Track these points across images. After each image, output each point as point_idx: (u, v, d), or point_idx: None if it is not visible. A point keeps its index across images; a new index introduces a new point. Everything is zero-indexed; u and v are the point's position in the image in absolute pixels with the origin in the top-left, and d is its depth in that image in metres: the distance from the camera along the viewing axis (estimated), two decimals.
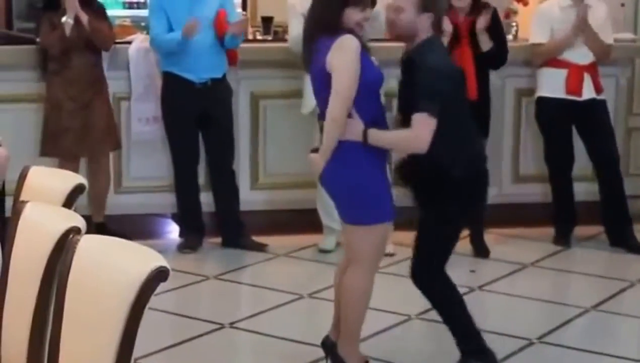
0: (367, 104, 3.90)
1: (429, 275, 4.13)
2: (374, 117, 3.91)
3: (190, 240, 6.12)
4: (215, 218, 6.22)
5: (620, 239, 6.21)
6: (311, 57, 3.95)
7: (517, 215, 6.59)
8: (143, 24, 7.38)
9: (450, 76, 3.97)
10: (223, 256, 6.03)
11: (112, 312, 2.23)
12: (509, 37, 6.80)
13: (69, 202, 3.02)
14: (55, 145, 5.86)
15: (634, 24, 7.20)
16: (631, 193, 6.47)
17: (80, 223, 2.63)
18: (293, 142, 6.25)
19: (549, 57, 6.18)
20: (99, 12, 5.99)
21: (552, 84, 6.16)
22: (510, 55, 5.89)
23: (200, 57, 5.81)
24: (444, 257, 4.15)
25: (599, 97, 6.18)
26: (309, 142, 5.55)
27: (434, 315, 4.39)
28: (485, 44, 5.64)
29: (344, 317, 4.08)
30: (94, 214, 6.04)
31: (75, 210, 2.93)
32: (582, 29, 6.06)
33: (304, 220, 6.22)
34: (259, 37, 7.26)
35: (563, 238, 6.29)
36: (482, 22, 5.61)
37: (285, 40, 6.36)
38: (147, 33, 6.18)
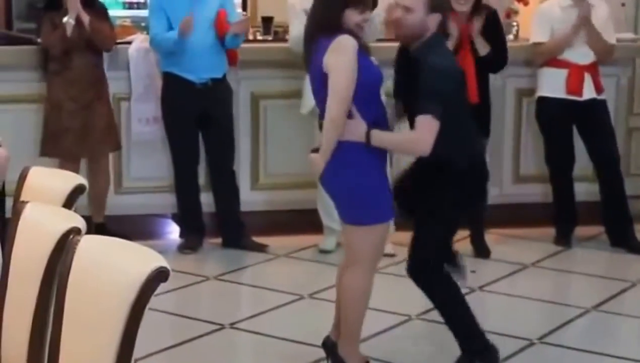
0: (369, 104, 3.90)
1: (426, 271, 4.12)
2: (375, 118, 3.91)
3: (191, 241, 6.12)
4: (216, 219, 6.21)
5: (621, 239, 6.21)
6: (311, 57, 3.96)
7: (517, 216, 6.59)
8: (143, 24, 7.37)
9: (452, 76, 3.98)
10: (223, 256, 6.03)
11: (113, 313, 2.23)
12: (510, 36, 6.80)
13: (69, 202, 3.01)
14: (56, 146, 5.86)
15: (634, 24, 7.21)
16: (632, 193, 6.47)
17: (81, 223, 2.63)
18: (293, 142, 6.25)
19: (549, 56, 6.17)
20: (100, 12, 5.98)
21: (552, 84, 6.16)
22: (511, 55, 5.89)
23: (200, 57, 5.80)
24: (441, 251, 4.15)
25: (599, 97, 6.18)
26: (309, 142, 5.54)
27: (435, 315, 4.39)
28: (482, 49, 5.62)
29: (344, 317, 4.08)
30: (94, 215, 6.03)
31: (75, 211, 2.92)
32: (584, 27, 6.05)
33: (305, 221, 6.22)
34: (259, 37, 7.26)
35: (564, 239, 6.29)
36: (475, 27, 5.59)
37: (285, 41, 6.36)
38: (147, 33, 6.17)
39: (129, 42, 6.22)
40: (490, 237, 6.16)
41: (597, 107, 6.16)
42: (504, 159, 6.69)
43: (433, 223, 4.10)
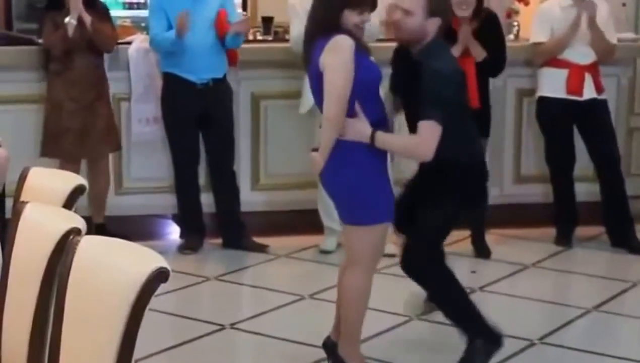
0: (370, 104, 3.91)
1: (419, 262, 4.13)
2: (377, 117, 3.93)
3: (191, 241, 6.11)
4: (216, 219, 6.21)
5: (621, 240, 6.21)
6: (310, 57, 3.96)
7: (518, 216, 6.59)
8: (143, 24, 7.38)
9: (454, 80, 4.00)
10: (224, 257, 6.02)
11: (113, 313, 2.23)
12: (510, 36, 6.81)
13: (69, 203, 3.01)
14: (56, 146, 5.85)
15: (635, 24, 7.21)
16: (632, 193, 6.47)
17: (81, 224, 2.62)
18: (294, 142, 6.24)
19: (549, 56, 6.17)
20: (102, 12, 5.97)
21: (553, 84, 6.15)
22: (512, 55, 5.89)
23: (200, 57, 5.80)
24: (435, 245, 4.15)
25: (600, 97, 6.18)
26: (309, 142, 5.54)
27: (435, 316, 4.39)
28: (479, 55, 5.61)
29: (344, 317, 4.08)
30: (94, 215, 6.03)
31: (75, 211, 2.92)
32: (590, 27, 6.05)
33: (305, 221, 6.22)
34: (259, 37, 7.26)
35: (564, 239, 6.28)
36: (464, 29, 5.56)
37: (285, 41, 6.36)
38: (147, 33, 6.17)
39: (129, 42, 6.22)
40: (491, 237, 6.16)
41: (597, 107, 6.16)
42: (505, 159, 6.69)
43: (430, 218, 4.11)
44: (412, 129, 3.98)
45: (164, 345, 4.51)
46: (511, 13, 7.04)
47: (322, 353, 4.20)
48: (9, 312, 2.75)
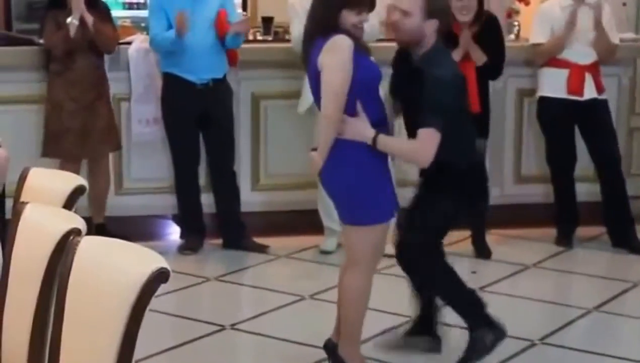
0: (371, 103, 3.91)
1: (415, 254, 4.15)
2: (379, 117, 3.94)
3: (191, 242, 6.11)
4: (216, 220, 6.21)
5: (622, 240, 6.20)
6: (309, 57, 3.96)
7: (519, 216, 6.58)
8: (143, 24, 7.38)
9: (454, 85, 4.02)
10: (224, 257, 6.02)
11: (113, 313, 2.22)
12: (511, 36, 6.81)
13: (69, 203, 3.01)
14: (57, 146, 5.85)
15: (635, 24, 7.20)
16: (633, 193, 6.46)
17: (81, 224, 2.62)
18: (294, 142, 6.24)
19: (548, 56, 6.17)
20: (103, 13, 5.96)
21: (553, 84, 6.15)
22: (512, 55, 5.88)
23: (200, 57, 5.79)
24: (432, 240, 4.16)
25: (600, 97, 6.17)
26: (310, 142, 5.51)
27: (435, 316, 4.38)
28: (479, 60, 5.61)
29: (344, 317, 4.08)
30: (94, 215, 6.02)
31: (75, 212, 2.91)
32: (595, 28, 6.05)
33: (305, 221, 6.21)
34: (259, 37, 7.25)
35: (565, 239, 6.28)
36: (465, 34, 5.56)
37: (285, 41, 6.36)
38: (147, 33, 6.16)
39: (129, 43, 6.21)
40: (492, 237, 6.15)
41: (598, 107, 6.15)
42: (505, 160, 6.68)
43: (429, 214, 4.13)
44: (410, 133, 4.01)
45: (164, 345, 4.51)
46: (512, 13, 7.04)
47: (322, 354, 4.19)
48: (9, 312, 2.75)
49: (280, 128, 6.36)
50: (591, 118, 6.15)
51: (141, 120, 6.14)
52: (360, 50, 3.90)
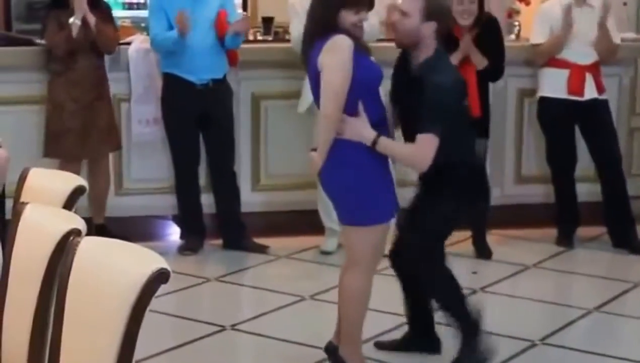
0: (371, 103, 3.91)
1: (413, 256, 4.15)
2: (379, 118, 3.94)
3: (191, 242, 6.10)
4: (216, 220, 6.20)
5: (623, 240, 6.20)
6: (309, 57, 3.96)
7: (519, 216, 6.58)
8: (143, 24, 7.38)
9: (455, 90, 4.03)
10: (224, 258, 6.01)
11: (113, 314, 2.22)
12: (512, 36, 6.81)
13: (69, 203, 3.00)
14: (58, 146, 5.84)
15: (636, 24, 7.20)
16: (634, 193, 6.46)
17: (81, 225, 2.62)
18: (294, 143, 6.23)
19: (548, 56, 6.17)
20: (104, 13, 5.96)
21: (553, 84, 6.15)
22: (512, 55, 5.88)
23: (200, 58, 5.79)
24: (431, 243, 4.15)
25: (601, 97, 6.17)
26: (310, 142, 5.52)
27: (436, 316, 4.37)
28: (480, 63, 5.61)
29: (344, 317, 4.08)
30: (95, 216, 6.02)
31: (75, 212, 2.91)
32: (599, 29, 6.05)
33: (305, 222, 6.21)
34: (259, 37, 7.25)
35: (566, 239, 6.28)
36: (466, 39, 5.56)
37: (285, 41, 6.36)
38: (147, 34, 6.16)
39: (129, 43, 6.21)
40: (492, 237, 6.15)
41: (598, 107, 6.15)
42: (506, 160, 6.68)
43: (429, 216, 4.13)
44: (408, 140, 4.03)
45: (164, 346, 4.50)
46: (512, 13, 7.04)
47: (322, 355, 4.19)
48: (9, 313, 2.75)
49: (280, 128, 6.36)
50: (592, 118, 6.15)
51: (141, 120, 6.14)
52: (361, 50, 3.90)
